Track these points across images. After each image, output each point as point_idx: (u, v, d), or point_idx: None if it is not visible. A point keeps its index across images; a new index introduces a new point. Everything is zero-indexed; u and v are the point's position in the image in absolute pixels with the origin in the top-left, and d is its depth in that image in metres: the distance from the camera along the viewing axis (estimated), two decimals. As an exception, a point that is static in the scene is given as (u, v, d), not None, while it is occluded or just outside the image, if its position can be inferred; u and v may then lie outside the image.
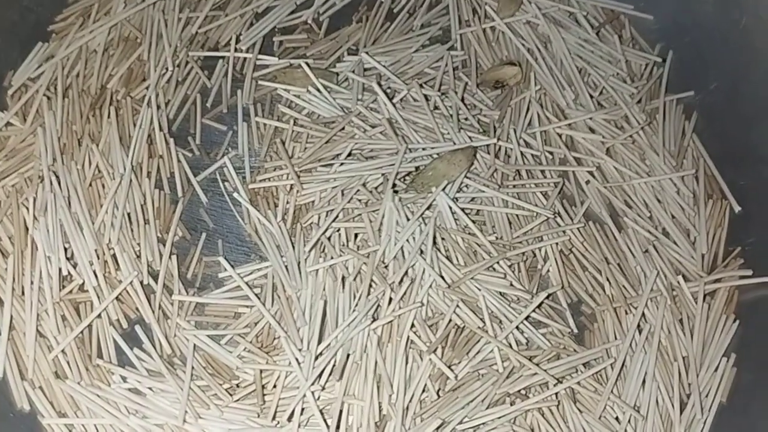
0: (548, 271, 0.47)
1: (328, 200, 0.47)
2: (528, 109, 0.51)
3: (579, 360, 0.45)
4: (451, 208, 0.46)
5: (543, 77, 0.52)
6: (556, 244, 0.47)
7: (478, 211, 0.48)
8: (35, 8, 0.52)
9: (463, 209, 0.46)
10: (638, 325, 0.46)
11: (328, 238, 0.46)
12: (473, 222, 0.46)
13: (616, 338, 0.45)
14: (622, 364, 0.45)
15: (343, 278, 0.44)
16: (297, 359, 0.42)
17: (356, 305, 0.44)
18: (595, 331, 0.46)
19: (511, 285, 0.45)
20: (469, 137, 0.49)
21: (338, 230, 0.46)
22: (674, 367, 0.45)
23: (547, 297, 0.45)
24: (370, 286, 0.44)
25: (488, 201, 0.48)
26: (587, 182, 0.50)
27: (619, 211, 0.49)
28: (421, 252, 0.44)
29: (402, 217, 0.45)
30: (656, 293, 0.46)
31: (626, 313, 0.46)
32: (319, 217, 0.47)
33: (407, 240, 0.44)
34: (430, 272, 0.43)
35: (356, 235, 0.46)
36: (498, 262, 0.45)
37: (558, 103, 0.52)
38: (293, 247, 0.46)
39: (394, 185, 0.46)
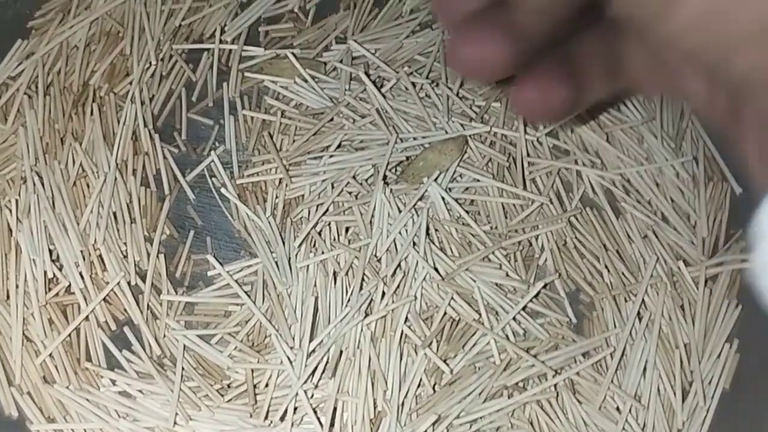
0: (545, 260, 0.46)
1: (318, 193, 0.46)
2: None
3: (578, 350, 0.44)
4: (443, 198, 0.45)
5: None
6: (551, 232, 0.46)
7: (472, 201, 0.47)
8: (13, 4, 0.50)
9: (456, 199, 0.45)
10: (638, 313, 0.45)
11: (319, 233, 0.44)
12: (467, 212, 0.45)
13: (615, 327, 0.44)
14: (622, 353, 0.44)
15: (335, 273, 0.43)
16: (288, 357, 0.41)
17: (348, 300, 0.43)
18: (594, 319, 0.45)
19: (507, 276, 0.44)
20: (461, 125, 0.48)
21: (329, 224, 0.45)
22: (676, 354, 0.44)
23: (544, 287, 0.44)
24: (363, 280, 0.43)
25: (482, 190, 0.47)
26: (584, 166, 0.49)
27: (617, 197, 0.48)
28: (414, 244, 0.43)
29: (394, 208, 0.44)
30: (656, 279, 0.45)
31: (626, 300, 0.45)
32: (309, 211, 0.46)
33: (399, 232, 0.43)
34: (424, 265, 0.42)
35: (347, 229, 0.45)
36: (493, 253, 0.44)
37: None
38: (283, 242, 0.45)
39: (384, 176, 0.45)
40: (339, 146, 0.47)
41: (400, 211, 0.44)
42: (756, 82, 0.18)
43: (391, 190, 0.45)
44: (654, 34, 0.19)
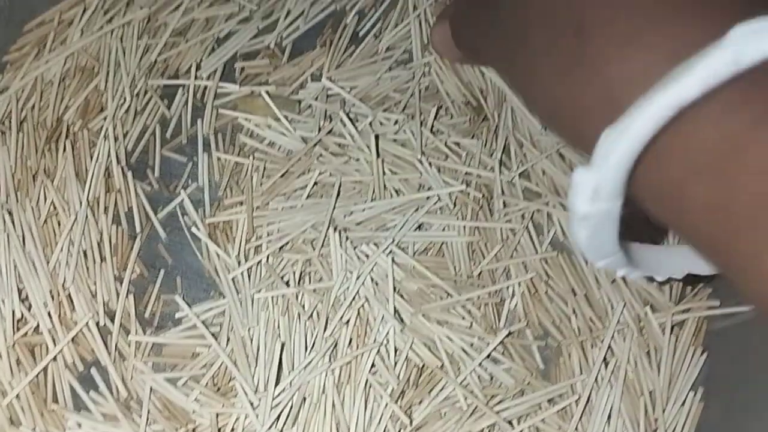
0: (516, 305, 0.46)
1: (281, 237, 0.46)
2: (496, 137, 0.50)
3: (544, 396, 0.44)
4: (405, 250, 0.45)
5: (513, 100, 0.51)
6: (518, 284, 0.46)
7: (446, 246, 0.47)
8: (-12, 39, 0.50)
9: (425, 249, 0.46)
10: (604, 359, 0.45)
11: (281, 277, 0.45)
12: (427, 268, 0.45)
13: (581, 373, 0.45)
14: (587, 400, 0.44)
15: (299, 315, 0.44)
16: (251, 403, 0.41)
17: (313, 345, 0.43)
18: (561, 365, 0.46)
19: (471, 326, 0.44)
20: (438, 169, 0.48)
21: (293, 267, 0.45)
22: (641, 401, 0.44)
23: (509, 335, 0.44)
24: (326, 323, 0.43)
25: (452, 228, 0.47)
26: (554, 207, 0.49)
27: (587, 240, 0.48)
28: (375, 292, 0.44)
29: (353, 259, 0.44)
30: (623, 325, 0.46)
31: (592, 346, 0.46)
32: (273, 253, 0.46)
33: (362, 283, 0.44)
34: (384, 313, 0.43)
35: (310, 274, 0.45)
36: (458, 301, 0.44)
37: (530, 129, 0.51)
38: (250, 283, 0.45)
39: (345, 229, 0.46)
40: (315, 184, 0.48)
41: (359, 259, 0.44)
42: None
43: (348, 239, 0.45)
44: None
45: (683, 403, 0.44)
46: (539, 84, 0.23)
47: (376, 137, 0.48)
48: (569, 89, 0.21)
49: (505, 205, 0.48)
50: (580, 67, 0.21)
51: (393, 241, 0.45)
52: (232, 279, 0.45)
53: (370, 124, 0.49)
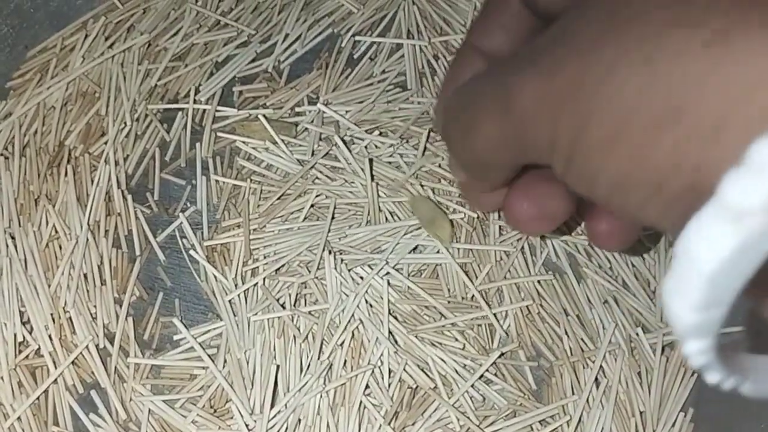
0: (509, 325, 0.47)
1: (277, 259, 0.47)
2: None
3: (535, 417, 0.44)
4: (400, 272, 0.46)
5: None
6: (514, 297, 0.47)
7: (439, 269, 0.47)
8: (-9, 65, 0.52)
9: (418, 269, 0.46)
10: (596, 379, 0.46)
11: (277, 300, 0.45)
12: (421, 290, 0.46)
13: (573, 393, 0.45)
14: (579, 421, 0.45)
15: (294, 337, 0.44)
16: (247, 425, 0.42)
17: (308, 367, 0.44)
18: (553, 386, 0.46)
19: (464, 348, 0.45)
20: (431, 190, 0.49)
21: (289, 289, 0.46)
22: (632, 422, 0.45)
23: (501, 356, 0.45)
24: (321, 345, 0.44)
25: (445, 251, 0.48)
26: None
27: (580, 261, 0.49)
28: (370, 313, 0.44)
29: (348, 281, 0.45)
30: (614, 346, 0.46)
31: (584, 367, 0.46)
32: (270, 275, 0.47)
33: (357, 305, 0.44)
34: (378, 335, 0.43)
35: (306, 296, 0.46)
36: (452, 323, 0.45)
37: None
38: (246, 305, 0.46)
39: (340, 251, 0.47)
40: (311, 207, 0.49)
41: (354, 281, 0.45)
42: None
43: (343, 262, 0.46)
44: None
45: (673, 424, 0.45)
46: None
47: (370, 161, 0.49)
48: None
49: (500, 229, 0.49)
50: None
51: (387, 263, 0.46)
52: (229, 301, 0.46)
53: (366, 147, 0.50)
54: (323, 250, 0.46)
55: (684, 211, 0.18)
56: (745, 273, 0.16)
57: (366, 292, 0.45)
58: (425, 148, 0.51)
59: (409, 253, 0.47)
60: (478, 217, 0.49)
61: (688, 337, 0.18)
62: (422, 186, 0.49)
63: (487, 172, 0.26)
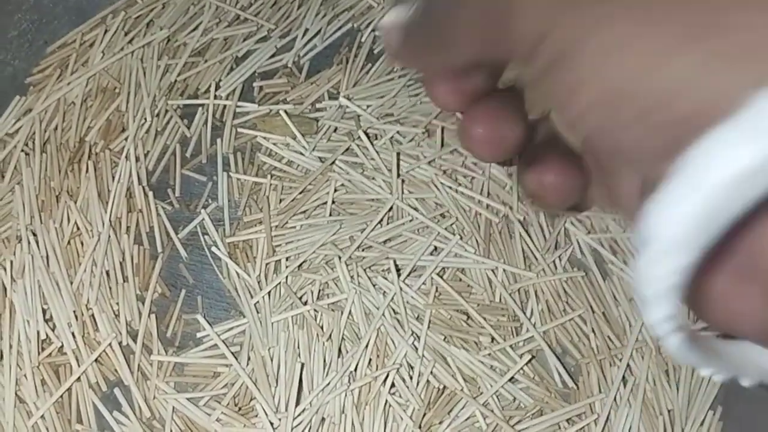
0: (534, 324, 0.46)
1: (299, 254, 0.46)
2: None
3: (563, 416, 0.44)
4: (423, 271, 0.46)
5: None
6: (541, 294, 0.46)
7: (463, 270, 0.47)
8: (11, 61, 0.51)
9: (442, 271, 0.46)
10: (623, 377, 0.45)
11: (300, 297, 0.45)
12: (446, 290, 0.45)
13: (600, 392, 0.45)
14: (606, 419, 0.44)
15: (317, 336, 0.44)
16: (272, 423, 0.42)
17: (331, 365, 0.43)
18: (581, 384, 0.46)
19: (490, 346, 0.44)
20: (455, 190, 0.48)
21: (311, 286, 0.45)
22: (660, 420, 0.44)
23: (532, 358, 0.45)
24: (341, 343, 0.44)
25: (469, 250, 0.47)
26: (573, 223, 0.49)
27: (605, 258, 0.48)
28: (394, 314, 0.44)
29: (368, 279, 0.45)
30: (641, 343, 0.46)
31: (611, 365, 0.46)
32: (292, 272, 0.46)
33: (383, 304, 0.44)
34: (403, 335, 0.43)
35: (328, 295, 0.46)
36: (480, 324, 0.45)
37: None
38: (270, 303, 0.46)
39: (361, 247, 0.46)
40: (334, 202, 0.48)
41: (375, 281, 0.45)
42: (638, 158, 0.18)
43: (364, 257, 0.46)
44: (563, 121, 0.20)
45: (702, 423, 0.44)
46: None
47: (398, 154, 0.48)
48: None
49: (525, 227, 0.48)
50: None
51: (411, 261, 0.45)
52: (255, 301, 0.46)
53: (390, 140, 0.50)
54: (346, 247, 0.46)
55: (676, 138, 0.17)
56: (748, 198, 0.15)
57: (391, 293, 0.45)
58: (441, 142, 0.50)
59: (431, 253, 0.47)
60: (505, 216, 0.48)
61: (668, 253, 0.16)
62: (445, 184, 0.48)
63: (448, 46, 0.24)
